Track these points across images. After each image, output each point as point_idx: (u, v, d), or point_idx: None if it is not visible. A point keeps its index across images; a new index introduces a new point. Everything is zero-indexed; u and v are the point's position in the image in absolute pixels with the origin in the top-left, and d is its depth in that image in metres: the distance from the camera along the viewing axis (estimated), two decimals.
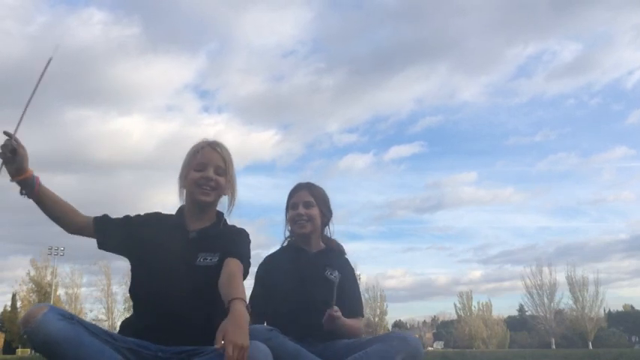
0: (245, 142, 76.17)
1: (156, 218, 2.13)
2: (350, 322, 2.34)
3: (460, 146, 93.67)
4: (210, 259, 1.95)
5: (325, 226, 2.63)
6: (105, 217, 2.10)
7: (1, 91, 60.14)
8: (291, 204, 2.57)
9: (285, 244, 2.64)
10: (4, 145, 1.84)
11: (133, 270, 2.04)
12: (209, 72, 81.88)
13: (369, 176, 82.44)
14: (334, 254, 2.60)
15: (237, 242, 2.01)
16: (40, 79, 1.91)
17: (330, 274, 2.45)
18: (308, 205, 2.53)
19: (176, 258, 1.95)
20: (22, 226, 65.78)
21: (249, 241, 2.08)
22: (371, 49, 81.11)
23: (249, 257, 1.99)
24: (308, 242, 2.57)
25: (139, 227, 2.06)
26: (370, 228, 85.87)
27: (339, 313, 2.26)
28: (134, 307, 2.02)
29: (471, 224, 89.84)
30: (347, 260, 2.64)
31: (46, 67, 1.92)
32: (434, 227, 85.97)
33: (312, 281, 2.42)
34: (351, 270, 2.61)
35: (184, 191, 2.11)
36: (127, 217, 2.12)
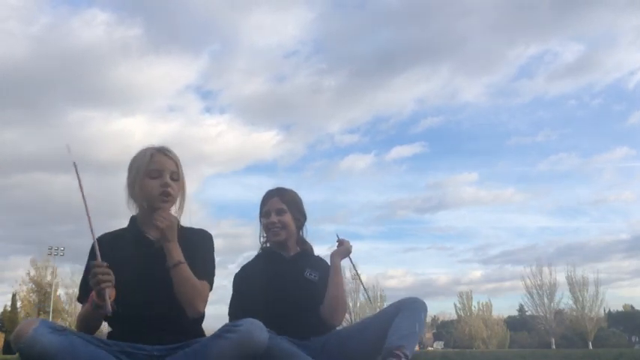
0: (246, 142, 76.24)
1: (111, 240, 2.04)
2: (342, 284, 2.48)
3: (461, 146, 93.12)
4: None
5: (300, 230, 2.64)
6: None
7: (4, 91, 60.43)
8: (264, 212, 2.58)
9: (260, 251, 2.65)
10: (103, 273, 1.72)
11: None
12: (211, 73, 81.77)
13: (370, 176, 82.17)
14: (310, 255, 2.64)
15: (201, 250, 2.03)
16: (81, 189, 1.80)
17: (310, 274, 2.51)
18: (280, 212, 2.54)
19: (148, 270, 1.95)
20: (23, 226, 65.98)
21: (212, 244, 2.13)
22: (373, 50, 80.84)
23: (214, 269, 2.06)
24: (284, 247, 2.59)
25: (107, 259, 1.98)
26: (371, 228, 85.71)
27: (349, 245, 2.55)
28: (115, 326, 1.98)
29: (471, 224, 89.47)
30: (320, 258, 2.66)
31: (77, 173, 1.80)
32: (435, 227, 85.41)
33: (293, 283, 2.45)
34: (327, 266, 2.60)
35: (135, 200, 2.06)
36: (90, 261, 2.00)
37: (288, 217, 2.55)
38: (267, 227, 2.56)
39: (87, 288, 1.89)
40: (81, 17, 74.89)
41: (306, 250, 2.64)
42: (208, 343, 1.77)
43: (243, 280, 2.51)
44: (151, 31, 79.90)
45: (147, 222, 2.04)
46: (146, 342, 1.87)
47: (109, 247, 1.97)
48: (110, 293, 1.76)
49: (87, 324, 1.90)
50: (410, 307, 2.23)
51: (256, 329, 1.76)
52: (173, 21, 78.17)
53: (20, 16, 71.85)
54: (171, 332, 1.90)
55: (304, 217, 2.64)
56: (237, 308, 2.42)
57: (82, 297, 1.98)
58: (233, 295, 2.50)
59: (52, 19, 71.43)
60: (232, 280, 2.54)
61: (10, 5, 68.34)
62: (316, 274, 2.52)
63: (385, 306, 2.41)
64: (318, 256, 2.67)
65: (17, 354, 1.65)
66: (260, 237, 2.65)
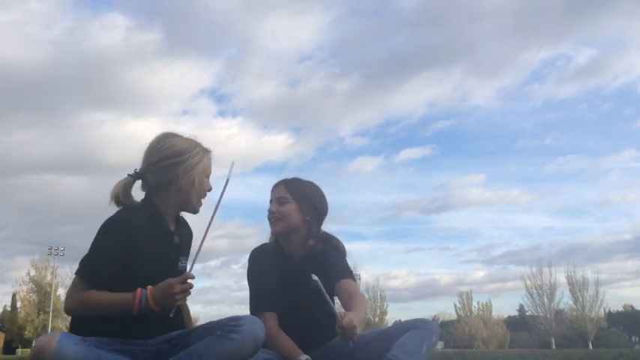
0: (257, 145, 76.34)
1: (129, 229, 1.89)
2: (359, 316, 2.04)
3: (470, 149, 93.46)
4: (184, 263, 2.05)
5: (316, 224, 2.36)
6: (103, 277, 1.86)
7: (22, 94, 60.63)
8: (269, 201, 2.39)
9: (271, 239, 2.43)
10: (185, 290, 1.82)
11: (116, 280, 1.86)
12: (226, 77, 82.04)
13: (378, 178, 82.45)
14: (325, 256, 2.33)
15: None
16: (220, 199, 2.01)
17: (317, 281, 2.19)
18: (281, 201, 2.32)
19: (164, 267, 1.95)
20: (28, 227, 66.09)
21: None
22: (386, 54, 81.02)
23: None
24: (289, 243, 2.36)
25: (132, 247, 1.89)
26: (376, 228, 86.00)
27: (349, 319, 1.92)
28: (120, 320, 1.87)
29: (475, 225, 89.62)
30: (336, 247, 2.39)
31: (224, 187, 2.02)
32: (438, 228, 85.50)
33: (295, 290, 2.24)
34: (341, 249, 2.39)
35: (177, 188, 1.98)
36: (116, 248, 1.87)
37: (290, 208, 2.30)
38: (268, 217, 2.36)
39: (110, 273, 1.83)
40: (100, 21, 75.55)
41: (318, 249, 2.34)
42: (212, 343, 1.76)
43: (255, 269, 2.34)
44: (170, 36, 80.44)
45: (170, 213, 2.03)
46: (139, 337, 1.86)
47: (126, 236, 1.87)
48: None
49: (110, 311, 1.80)
50: (422, 327, 2.11)
51: (258, 328, 1.81)
52: (190, 25, 78.74)
53: (39, 21, 72.40)
54: (161, 327, 1.91)
55: (317, 212, 2.35)
56: (259, 293, 2.28)
57: (100, 281, 1.83)
58: (251, 283, 2.34)
59: (71, 23, 71.84)
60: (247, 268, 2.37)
61: (31, 10, 68.50)
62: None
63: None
64: (335, 255, 2.36)
65: (18, 355, 1.65)
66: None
